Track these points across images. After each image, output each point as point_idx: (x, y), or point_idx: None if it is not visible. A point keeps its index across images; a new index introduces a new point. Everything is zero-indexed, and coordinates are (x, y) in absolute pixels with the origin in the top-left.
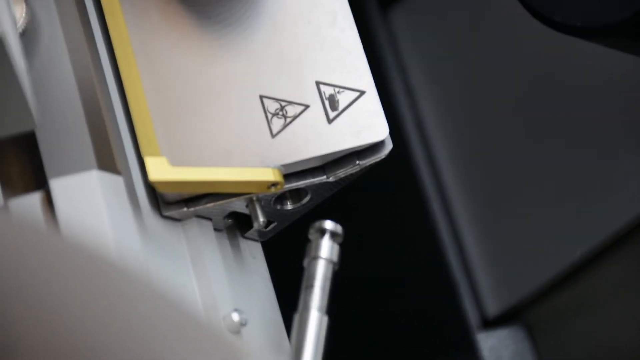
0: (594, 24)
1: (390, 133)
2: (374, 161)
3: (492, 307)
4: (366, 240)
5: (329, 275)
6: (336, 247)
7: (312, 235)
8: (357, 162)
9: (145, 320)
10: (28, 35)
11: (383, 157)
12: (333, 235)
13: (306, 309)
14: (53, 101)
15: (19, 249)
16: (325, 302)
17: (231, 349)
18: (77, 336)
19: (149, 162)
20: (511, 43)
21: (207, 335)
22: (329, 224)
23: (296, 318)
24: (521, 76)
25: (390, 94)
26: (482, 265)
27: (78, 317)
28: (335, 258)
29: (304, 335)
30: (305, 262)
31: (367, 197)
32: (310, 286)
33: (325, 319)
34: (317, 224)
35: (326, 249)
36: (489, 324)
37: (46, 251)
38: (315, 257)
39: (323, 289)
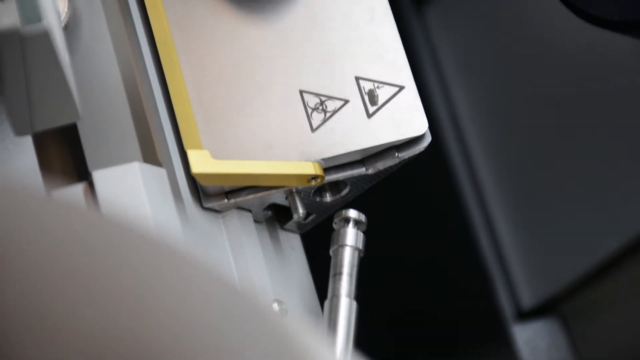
0: (631, 18)
1: None
2: (413, 154)
3: (528, 299)
4: (400, 233)
5: (356, 262)
6: (361, 235)
7: (336, 224)
8: (397, 154)
9: (209, 303)
10: (70, 30)
11: (422, 149)
12: (357, 223)
13: (336, 295)
14: (95, 94)
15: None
16: (353, 288)
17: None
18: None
19: (192, 155)
20: (546, 37)
21: (267, 324)
22: (352, 213)
23: (326, 305)
24: (556, 70)
25: (424, 87)
26: (517, 257)
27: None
28: (360, 245)
29: (335, 321)
30: (332, 251)
31: (402, 190)
32: (339, 274)
33: (355, 304)
34: (341, 212)
35: (351, 237)
36: (524, 316)
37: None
38: (342, 245)
39: (350, 275)
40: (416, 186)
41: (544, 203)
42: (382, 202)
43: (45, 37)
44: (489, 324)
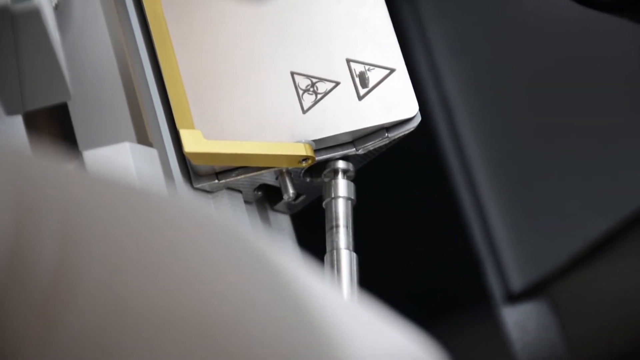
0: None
1: None
2: (402, 134)
3: (517, 282)
4: (389, 216)
5: (350, 212)
6: (352, 185)
7: (326, 176)
8: (386, 134)
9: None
10: (61, 9)
11: (412, 129)
12: (345, 172)
13: (335, 249)
14: (86, 74)
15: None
16: (351, 240)
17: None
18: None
19: (184, 134)
20: (537, 19)
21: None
22: (341, 164)
23: (326, 259)
24: (547, 53)
25: (415, 69)
26: (506, 240)
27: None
28: (352, 195)
29: (338, 273)
30: (324, 204)
31: (391, 174)
32: (335, 226)
33: (355, 255)
34: (330, 164)
35: (343, 188)
36: (514, 298)
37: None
38: (335, 198)
39: (347, 227)
40: (406, 170)
41: (533, 185)
42: (372, 186)
43: (35, 15)
44: (478, 306)
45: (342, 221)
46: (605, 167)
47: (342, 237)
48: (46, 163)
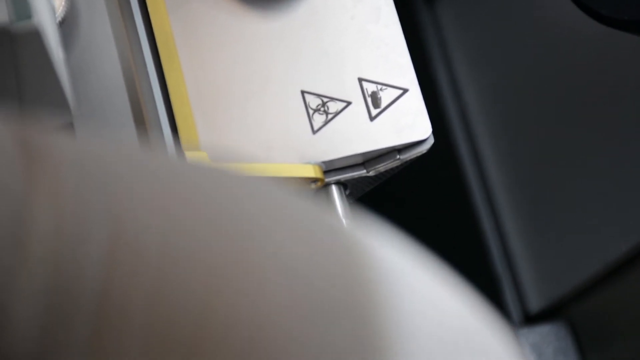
0: None
1: (434, 125)
2: (414, 156)
3: (535, 303)
4: (406, 232)
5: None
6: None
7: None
8: (398, 157)
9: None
10: (67, 24)
11: (424, 151)
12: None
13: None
14: (92, 91)
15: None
16: None
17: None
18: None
19: (190, 157)
20: (557, 35)
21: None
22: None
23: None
24: (568, 70)
25: (434, 84)
26: (525, 260)
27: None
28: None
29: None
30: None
31: (409, 190)
32: None
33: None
34: None
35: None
36: (531, 319)
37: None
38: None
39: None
40: (425, 186)
41: (553, 203)
42: (391, 202)
43: (36, 35)
44: None
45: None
46: (625, 188)
47: None
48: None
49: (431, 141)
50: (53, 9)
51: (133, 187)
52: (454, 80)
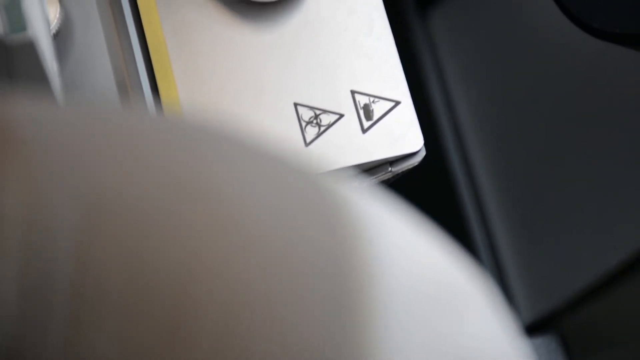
0: (633, 30)
1: (426, 135)
2: (406, 168)
3: (526, 315)
4: None
5: None
6: None
7: None
8: (390, 169)
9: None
10: (62, 37)
11: (416, 164)
12: None
13: None
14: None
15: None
16: None
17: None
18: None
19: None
20: (549, 47)
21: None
22: None
23: None
24: (560, 82)
25: (427, 95)
26: (516, 272)
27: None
28: None
29: None
30: None
31: (401, 201)
32: None
33: None
34: None
35: None
36: (523, 332)
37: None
38: None
39: None
40: (416, 198)
41: (544, 218)
42: None
43: (30, 47)
44: None
45: None
46: (617, 200)
47: None
48: None
49: (423, 153)
50: (48, 21)
51: (101, 154)
52: (447, 93)
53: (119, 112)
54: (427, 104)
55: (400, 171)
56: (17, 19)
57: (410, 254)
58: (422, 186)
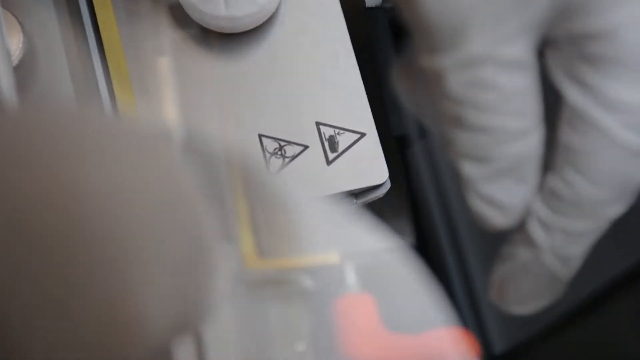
0: None
1: (393, 168)
2: (371, 200)
3: (500, 345)
4: None
5: None
6: None
7: None
8: (355, 201)
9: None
10: (25, 66)
11: (381, 196)
12: None
13: None
14: None
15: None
16: None
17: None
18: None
19: None
20: None
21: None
22: None
23: None
24: None
25: (396, 125)
26: (489, 301)
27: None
28: None
29: None
30: None
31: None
32: None
33: None
34: None
35: None
36: None
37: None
38: None
39: None
40: (389, 220)
41: None
42: None
43: None
44: None
45: None
46: None
47: None
48: None
49: (388, 185)
50: (8, 52)
51: None
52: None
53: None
54: (393, 137)
55: (365, 202)
56: None
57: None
58: (394, 212)
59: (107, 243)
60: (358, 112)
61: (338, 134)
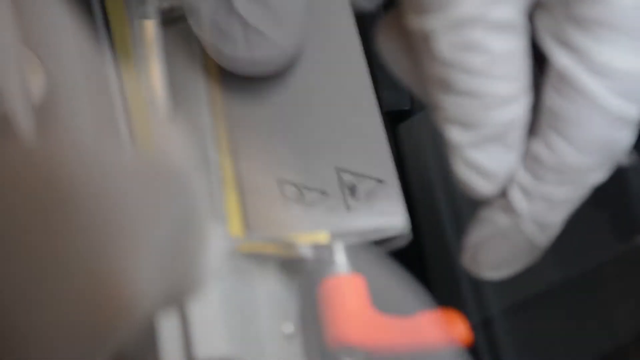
0: None
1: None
2: (389, 249)
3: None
4: None
5: None
6: None
7: None
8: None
9: None
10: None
11: (400, 246)
12: None
13: None
14: None
15: None
16: None
17: None
18: None
19: None
20: None
21: None
22: None
23: None
24: None
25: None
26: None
27: None
28: None
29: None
30: None
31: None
32: None
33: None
34: None
35: None
36: None
37: None
38: None
39: None
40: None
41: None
42: None
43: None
44: None
45: None
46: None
47: None
48: None
49: (409, 236)
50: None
51: None
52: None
53: None
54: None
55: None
56: None
57: None
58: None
59: (96, 218)
60: (378, 159)
61: (358, 180)
